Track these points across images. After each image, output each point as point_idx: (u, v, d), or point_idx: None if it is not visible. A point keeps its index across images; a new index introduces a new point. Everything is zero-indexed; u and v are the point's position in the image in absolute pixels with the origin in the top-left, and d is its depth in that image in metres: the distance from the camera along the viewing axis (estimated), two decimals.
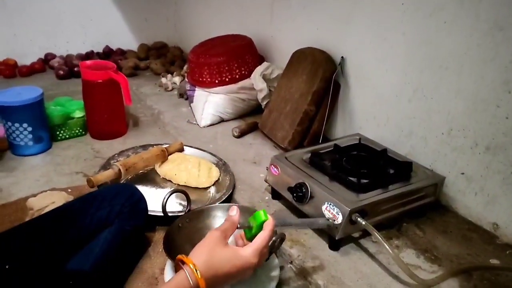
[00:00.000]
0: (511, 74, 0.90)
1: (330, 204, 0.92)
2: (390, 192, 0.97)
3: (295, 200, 1.00)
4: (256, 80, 1.56)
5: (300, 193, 0.99)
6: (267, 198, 1.14)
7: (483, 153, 0.99)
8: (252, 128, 1.54)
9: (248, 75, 1.59)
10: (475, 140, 1.00)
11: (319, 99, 1.36)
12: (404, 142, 1.19)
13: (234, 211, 0.68)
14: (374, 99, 1.26)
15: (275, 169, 1.09)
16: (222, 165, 1.26)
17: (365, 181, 0.99)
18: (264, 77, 1.57)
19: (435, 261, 0.91)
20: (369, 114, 1.29)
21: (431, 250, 0.94)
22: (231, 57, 1.57)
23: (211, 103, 1.58)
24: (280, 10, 1.61)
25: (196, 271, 0.58)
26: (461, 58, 0.99)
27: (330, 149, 1.17)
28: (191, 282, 0.57)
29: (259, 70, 1.56)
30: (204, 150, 1.33)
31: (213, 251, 0.60)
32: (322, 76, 1.33)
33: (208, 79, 1.58)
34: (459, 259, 0.92)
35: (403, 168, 1.05)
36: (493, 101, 0.94)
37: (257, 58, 1.66)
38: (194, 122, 1.61)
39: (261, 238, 0.65)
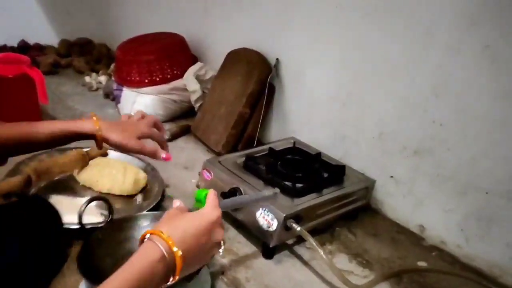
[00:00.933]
0: (439, 78, 0.93)
1: (265, 210, 0.88)
2: (324, 196, 0.96)
3: None
4: (189, 81, 1.49)
5: None
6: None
7: (412, 157, 1.01)
8: (184, 131, 1.46)
9: (180, 76, 1.51)
10: (404, 143, 1.02)
11: (254, 101, 1.32)
12: (338, 146, 1.19)
13: (178, 202, 0.63)
14: (309, 103, 1.26)
15: (207, 173, 1.04)
16: (151, 171, 1.17)
17: (300, 185, 0.97)
18: (198, 78, 1.50)
19: (366, 266, 0.91)
20: (304, 117, 1.29)
21: (362, 255, 0.94)
22: (163, 55, 1.48)
23: (140, 104, 1.48)
24: (215, 8, 1.55)
25: (165, 236, 0.52)
26: (393, 62, 1.01)
27: (265, 152, 1.14)
28: (161, 248, 0.51)
29: (192, 70, 1.50)
30: (130, 155, 1.23)
31: (173, 220, 0.56)
32: (257, 78, 1.30)
33: (137, 78, 1.48)
34: (389, 262, 0.92)
35: (337, 172, 1.05)
36: (421, 105, 0.97)
37: (191, 57, 1.59)
38: None
39: (210, 197, 0.63)
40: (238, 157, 1.10)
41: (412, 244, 1.00)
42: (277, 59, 1.31)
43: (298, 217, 0.89)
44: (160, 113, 1.51)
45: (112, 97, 1.65)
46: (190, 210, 0.62)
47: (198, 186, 1.06)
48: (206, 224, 0.57)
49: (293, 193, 0.94)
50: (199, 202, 0.63)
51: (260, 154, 1.13)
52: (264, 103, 1.32)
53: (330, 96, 1.18)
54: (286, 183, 0.97)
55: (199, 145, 1.41)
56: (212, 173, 1.02)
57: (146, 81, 1.48)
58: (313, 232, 0.91)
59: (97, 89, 1.81)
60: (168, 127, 1.45)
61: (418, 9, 0.94)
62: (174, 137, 1.42)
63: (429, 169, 0.98)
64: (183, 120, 1.57)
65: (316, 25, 1.18)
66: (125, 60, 1.49)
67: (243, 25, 1.44)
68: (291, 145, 1.19)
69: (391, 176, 1.07)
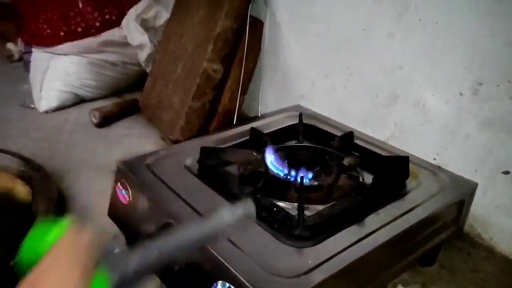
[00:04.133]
0: None
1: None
2: (376, 236, 0.41)
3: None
4: (131, 30, 0.94)
5: None
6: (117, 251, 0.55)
7: None
8: (126, 110, 0.93)
9: (117, 22, 0.97)
10: None
11: (228, 50, 0.77)
12: (382, 115, 0.64)
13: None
14: (327, 45, 0.70)
15: (123, 191, 0.50)
16: (39, 180, 0.64)
17: (315, 208, 0.44)
18: (145, 24, 0.96)
19: None
20: (317, 70, 0.73)
21: None
22: None
23: (55, 70, 0.94)
24: None
25: None
26: None
27: (245, 139, 0.60)
28: None
29: (133, 12, 0.95)
30: (5, 151, 0.69)
31: None
32: (228, 10, 0.75)
33: (48, 31, 0.94)
34: None
35: (393, 171, 0.50)
36: None
37: None
38: (32, 105, 0.96)
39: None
40: (193, 149, 0.56)
41: None
42: None
43: None
44: (91, 83, 0.97)
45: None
46: None
47: (110, 215, 0.53)
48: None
49: (301, 234, 0.41)
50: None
51: (236, 142, 0.59)
52: (245, 52, 0.77)
53: (369, 24, 0.62)
54: (283, 205, 0.43)
55: (151, 130, 0.88)
56: (131, 192, 0.49)
57: (62, 33, 0.93)
58: None
59: (20, 59, 1.28)
60: (103, 105, 0.92)
61: None
62: (106, 119, 0.88)
63: None
64: (135, 93, 1.03)
65: None
66: (28, 4, 0.95)
67: None
68: (294, 121, 0.64)
69: (505, 172, 0.51)
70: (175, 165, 0.53)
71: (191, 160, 0.54)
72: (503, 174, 0.52)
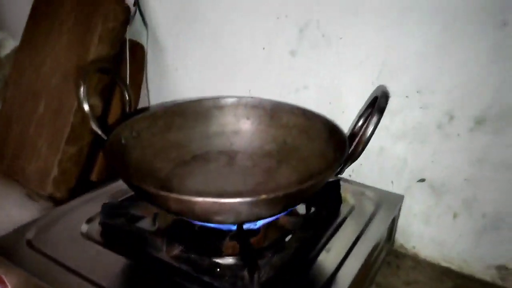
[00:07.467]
0: None
1: None
2: (340, 275, 0.37)
3: None
4: None
5: None
6: None
7: (470, 132, 0.48)
8: None
9: None
10: (449, 108, 0.49)
11: (107, 80, 0.65)
12: None
13: None
14: (223, 68, 0.64)
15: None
16: None
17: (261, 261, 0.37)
18: None
19: None
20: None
21: None
22: None
23: None
24: None
25: None
26: None
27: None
28: None
29: None
30: None
31: None
32: (102, 33, 0.63)
33: None
34: None
35: (325, 197, 0.47)
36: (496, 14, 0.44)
37: None
38: None
39: None
40: (87, 211, 0.44)
41: None
42: None
43: None
44: None
45: None
46: None
47: None
48: None
49: None
50: None
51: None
52: (128, 81, 0.66)
53: (264, 46, 0.59)
54: (221, 262, 0.36)
55: (11, 187, 0.69)
56: (10, 286, 0.35)
57: None
58: None
59: None
60: None
61: None
62: None
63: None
64: None
65: None
66: None
67: None
68: None
69: (421, 180, 0.53)
70: (68, 234, 0.40)
71: (88, 223, 0.42)
72: (419, 183, 0.53)
